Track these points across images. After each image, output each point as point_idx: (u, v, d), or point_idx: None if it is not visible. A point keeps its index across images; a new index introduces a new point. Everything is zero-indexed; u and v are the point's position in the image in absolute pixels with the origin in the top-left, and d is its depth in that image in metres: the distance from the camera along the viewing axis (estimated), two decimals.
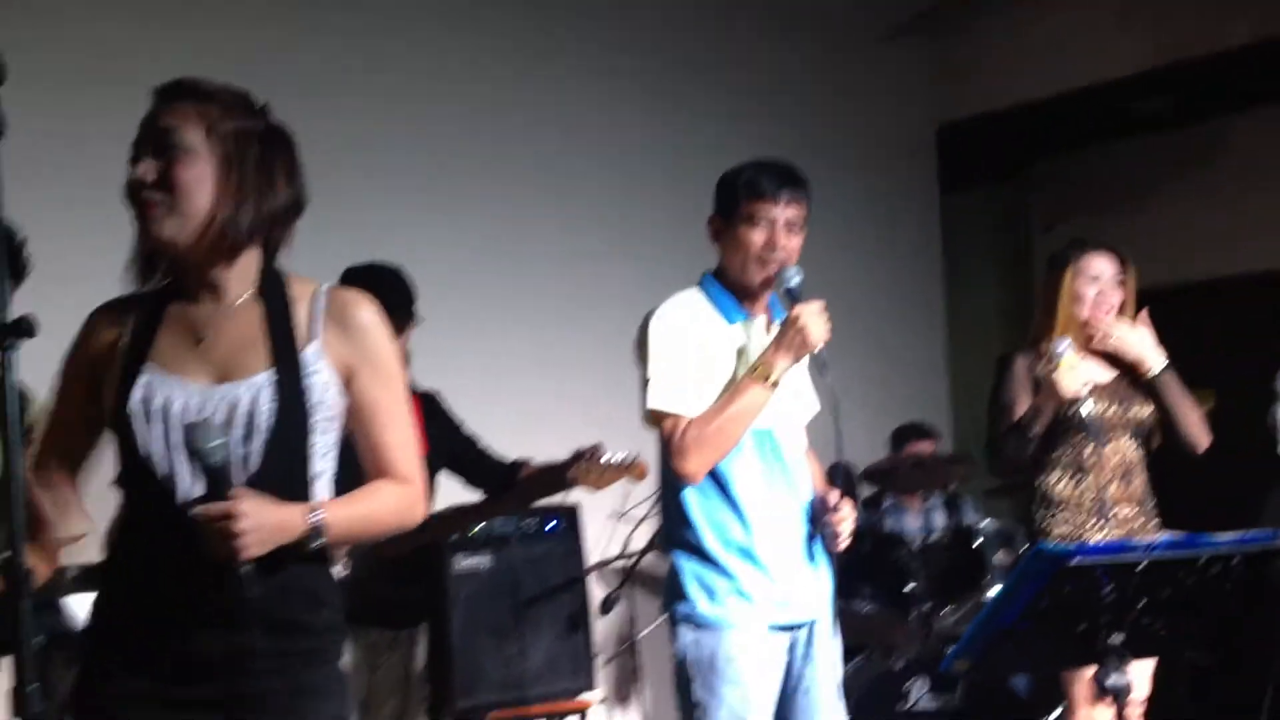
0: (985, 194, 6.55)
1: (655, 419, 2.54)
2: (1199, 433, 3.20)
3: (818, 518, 2.65)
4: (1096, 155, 6.15)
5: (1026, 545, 3.38)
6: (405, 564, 3.15)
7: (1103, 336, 3.17)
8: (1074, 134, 6.12)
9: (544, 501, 3.80)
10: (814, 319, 2.51)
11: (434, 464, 3.26)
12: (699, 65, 5.18)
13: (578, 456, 3.13)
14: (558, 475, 3.15)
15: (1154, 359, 3.16)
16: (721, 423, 2.49)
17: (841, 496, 2.62)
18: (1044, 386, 3.11)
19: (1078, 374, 3.06)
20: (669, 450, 2.52)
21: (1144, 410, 3.22)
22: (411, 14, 4.44)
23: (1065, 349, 3.06)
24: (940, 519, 4.63)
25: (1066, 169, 6.30)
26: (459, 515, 3.41)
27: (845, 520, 2.61)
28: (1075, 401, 3.12)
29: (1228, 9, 5.26)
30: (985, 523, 4.04)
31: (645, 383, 2.55)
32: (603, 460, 3.12)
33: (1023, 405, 3.18)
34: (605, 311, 4.19)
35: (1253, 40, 5.19)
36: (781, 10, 5.45)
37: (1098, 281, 3.20)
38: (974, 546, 3.83)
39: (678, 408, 2.52)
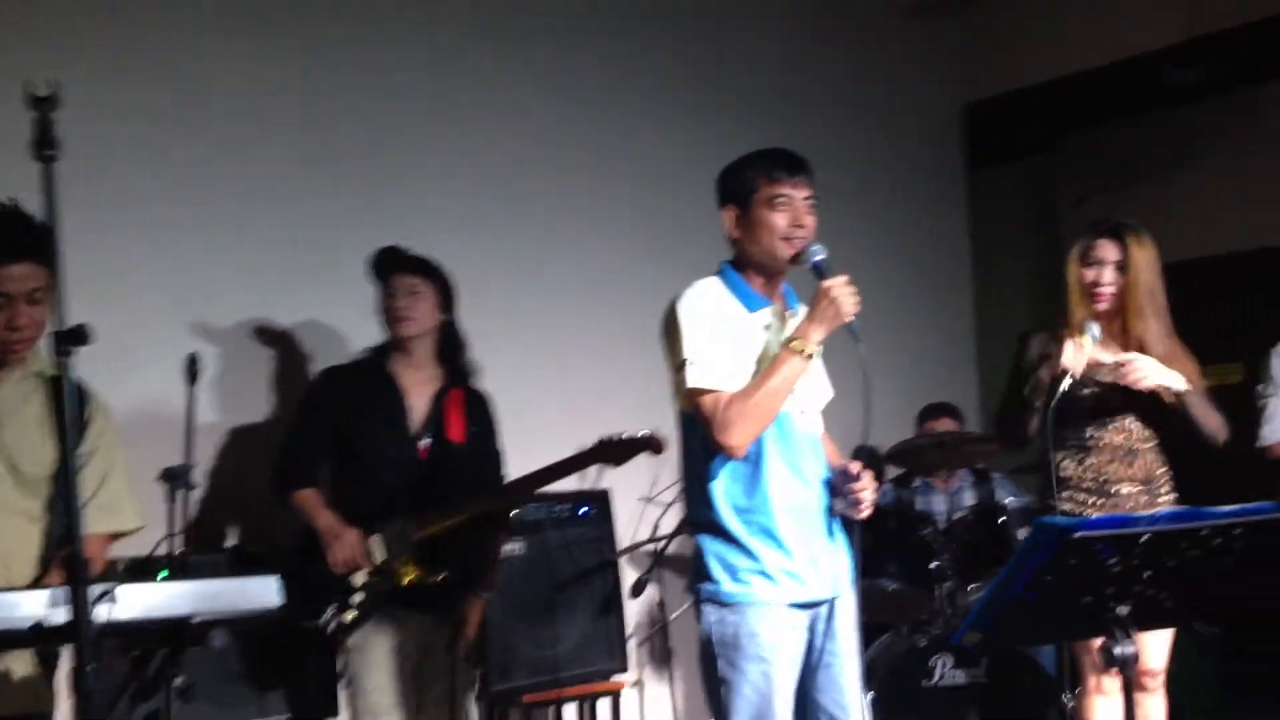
0: (1014, 169, 6.52)
1: (694, 397, 2.61)
2: (1219, 430, 3.27)
3: (839, 488, 2.72)
4: (1126, 128, 6.09)
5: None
6: (438, 547, 3.25)
7: (1131, 378, 3.18)
8: (1104, 107, 6.08)
9: (575, 487, 3.90)
10: (844, 291, 2.60)
11: (468, 453, 3.38)
12: (722, 47, 5.17)
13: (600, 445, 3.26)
14: (579, 462, 3.26)
15: (1175, 382, 3.20)
16: (761, 396, 2.57)
17: (862, 469, 2.69)
18: (1051, 357, 3.20)
19: (1084, 354, 3.15)
20: (712, 426, 2.58)
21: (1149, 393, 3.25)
22: (445, 23, 4.50)
23: (1090, 331, 3.17)
24: (969, 498, 4.66)
25: (1096, 142, 6.26)
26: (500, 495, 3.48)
27: (866, 489, 2.68)
28: (1077, 381, 3.20)
29: None
30: (1010, 500, 4.08)
31: (681, 364, 2.62)
32: (618, 438, 3.23)
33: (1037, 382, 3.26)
34: (635, 300, 4.23)
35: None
36: None
37: (1099, 267, 3.27)
38: (999, 524, 3.86)
39: (718, 384, 2.59)
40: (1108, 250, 3.27)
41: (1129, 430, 3.29)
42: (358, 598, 3.21)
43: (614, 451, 3.26)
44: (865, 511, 2.68)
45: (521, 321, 4.48)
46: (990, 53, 6.24)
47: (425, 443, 3.36)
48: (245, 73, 3.99)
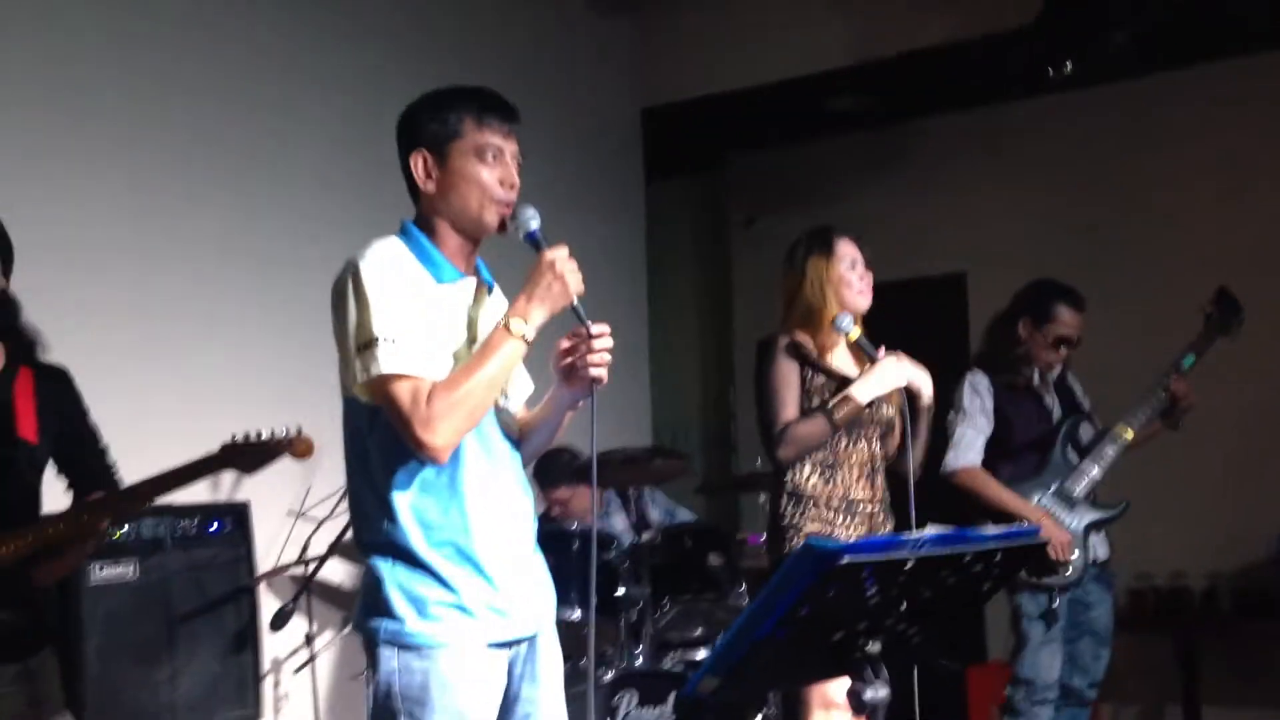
0: (687, 183, 6.45)
1: (385, 385, 2.10)
2: (921, 455, 3.22)
3: (576, 349, 2.26)
4: (794, 151, 6.16)
5: (765, 541, 3.23)
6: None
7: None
8: (772, 127, 6.10)
9: (207, 499, 3.31)
10: (569, 265, 2.18)
11: (43, 453, 2.65)
12: (385, 23, 4.78)
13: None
14: (199, 470, 2.63)
15: (929, 388, 3.13)
16: (472, 385, 2.10)
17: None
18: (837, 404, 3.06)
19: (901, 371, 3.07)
20: (411, 422, 2.08)
21: (889, 410, 3.21)
22: None
23: (847, 323, 3.08)
24: (620, 521, 4.37)
25: (765, 163, 6.30)
26: (84, 513, 2.73)
27: (604, 338, 2.21)
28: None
29: (922, 9, 5.34)
30: (696, 520, 3.86)
31: (368, 343, 2.09)
32: (249, 440, 2.63)
33: (792, 391, 3.12)
34: (271, 269, 3.78)
35: (942, 42, 5.31)
36: None
37: (855, 264, 3.21)
38: (689, 545, 3.62)
39: (418, 370, 2.10)
40: (856, 250, 3.22)
41: (872, 448, 3.20)
42: None
43: (244, 456, 2.64)
44: (601, 370, 2.22)
45: (123, 292, 3.81)
46: (667, 60, 6.11)
47: None
48: None
